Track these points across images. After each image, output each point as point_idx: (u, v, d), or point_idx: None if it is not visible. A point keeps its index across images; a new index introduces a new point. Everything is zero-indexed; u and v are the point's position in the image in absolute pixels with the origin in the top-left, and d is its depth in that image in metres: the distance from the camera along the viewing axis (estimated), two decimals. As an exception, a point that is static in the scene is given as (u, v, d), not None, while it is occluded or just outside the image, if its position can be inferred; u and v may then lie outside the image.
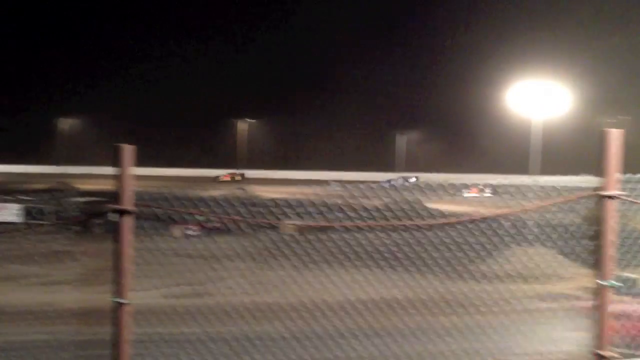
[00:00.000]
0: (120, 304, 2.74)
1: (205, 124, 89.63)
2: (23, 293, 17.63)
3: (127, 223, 2.77)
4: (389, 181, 67.46)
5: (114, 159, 2.75)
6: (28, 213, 34.02)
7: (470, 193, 48.84)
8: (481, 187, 51.20)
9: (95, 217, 24.33)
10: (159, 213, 4.22)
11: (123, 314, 2.75)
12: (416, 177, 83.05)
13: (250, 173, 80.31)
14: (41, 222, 31.47)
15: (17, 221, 33.56)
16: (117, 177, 2.75)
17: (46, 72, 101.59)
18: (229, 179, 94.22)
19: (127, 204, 2.76)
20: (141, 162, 2.85)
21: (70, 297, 16.40)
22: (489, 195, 46.60)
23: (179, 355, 8.03)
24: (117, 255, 2.77)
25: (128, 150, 2.76)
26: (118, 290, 2.76)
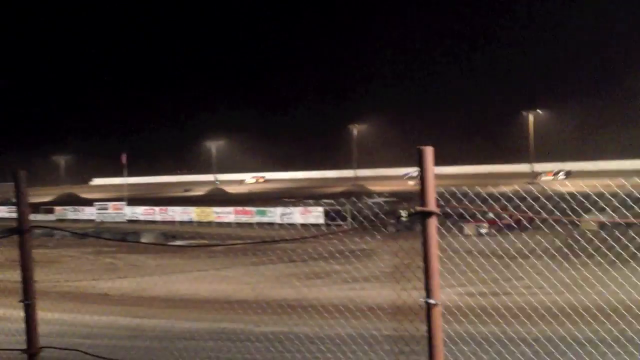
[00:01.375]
0: (431, 305, 2.77)
1: (493, 118, 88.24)
2: (328, 289, 19.37)
3: (433, 224, 2.78)
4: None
5: (418, 161, 2.78)
6: (328, 215, 37.11)
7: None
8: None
9: (389, 218, 25.64)
10: (459, 212, 4.20)
11: (434, 314, 2.77)
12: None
13: (542, 167, 75.96)
14: (340, 223, 34.12)
15: (319, 223, 36.88)
16: (420, 179, 2.79)
17: (338, 79, 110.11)
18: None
19: (432, 205, 2.77)
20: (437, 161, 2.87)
21: (371, 293, 17.56)
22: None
23: (490, 354, 7.93)
24: (426, 257, 2.80)
25: (429, 152, 2.78)
26: (428, 291, 2.79)
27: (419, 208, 2.76)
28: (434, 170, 2.77)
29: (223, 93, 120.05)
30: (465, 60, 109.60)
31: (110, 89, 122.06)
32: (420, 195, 2.76)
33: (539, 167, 76.31)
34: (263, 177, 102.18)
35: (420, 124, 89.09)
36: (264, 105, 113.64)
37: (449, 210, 3.64)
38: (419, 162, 2.76)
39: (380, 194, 50.55)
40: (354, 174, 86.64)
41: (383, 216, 19.13)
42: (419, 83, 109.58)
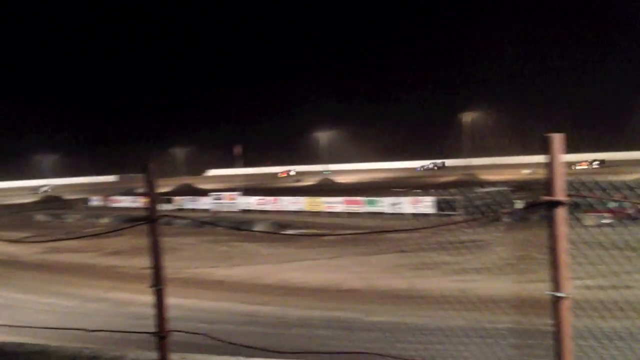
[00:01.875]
0: (559, 298, 2.65)
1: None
2: (438, 280, 19.11)
3: (561, 214, 2.65)
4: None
5: (544, 149, 2.66)
6: (439, 205, 36.50)
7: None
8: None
9: (502, 208, 24.91)
10: (577, 202, 3.99)
11: (561, 308, 2.65)
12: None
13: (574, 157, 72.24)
14: (451, 213, 33.49)
15: (430, 213, 36.37)
16: (548, 167, 2.66)
17: (446, 68, 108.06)
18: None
19: (560, 194, 2.64)
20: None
21: (483, 285, 17.17)
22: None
23: (625, 351, 7.55)
24: (553, 248, 2.68)
25: (558, 139, 2.65)
26: (556, 284, 2.67)
27: (545, 197, 2.64)
28: (562, 158, 2.64)
29: (332, 84, 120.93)
30: (578, 48, 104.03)
31: (225, 83, 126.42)
32: (548, 184, 2.63)
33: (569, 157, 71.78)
34: (289, 170, 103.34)
35: (531, 112, 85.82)
36: (372, 95, 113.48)
37: (576, 200, 3.46)
38: (546, 150, 2.63)
39: (492, 183, 49.16)
40: (466, 162, 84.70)
41: (496, 207, 18.55)
42: (529, 72, 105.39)
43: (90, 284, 22.80)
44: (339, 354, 6.19)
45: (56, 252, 30.66)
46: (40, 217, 51.09)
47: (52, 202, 69.39)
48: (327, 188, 62.63)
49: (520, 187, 38.77)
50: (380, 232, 16.68)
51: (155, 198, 3.89)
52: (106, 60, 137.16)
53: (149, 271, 4.15)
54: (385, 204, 38.68)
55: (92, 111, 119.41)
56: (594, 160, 76.60)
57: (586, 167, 72.94)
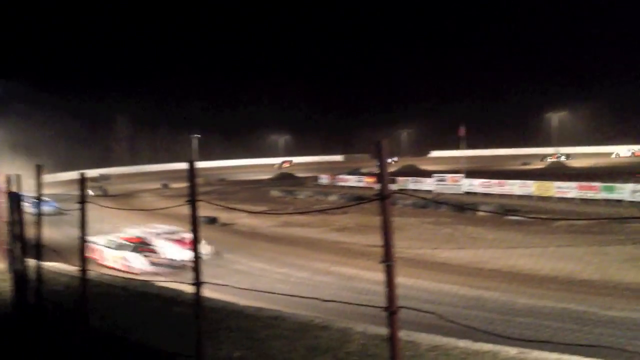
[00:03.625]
0: None
1: None
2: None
3: None
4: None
5: None
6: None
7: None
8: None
9: None
10: None
11: None
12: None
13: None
14: None
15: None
16: None
17: None
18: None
19: None
20: None
21: None
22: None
23: None
24: None
25: None
26: None
27: None
28: None
29: (565, 62, 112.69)
30: None
31: (451, 62, 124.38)
32: None
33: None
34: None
35: None
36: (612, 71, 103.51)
37: None
38: None
39: None
40: None
41: None
42: None
43: (318, 257, 24.09)
44: (579, 346, 5.69)
45: (288, 225, 32.93)
46: (274, 192, 55.19)
47: (285, 179, 74.70)
48: (558, 172, 58.79)
49: None
50: (619, 218, 15.28)
51: (387, 176, 3.89)
52: (335, 43, 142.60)
53: (373, 248, 4.16)
54: (625, 191, 35.13)
55: (323, 93, 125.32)
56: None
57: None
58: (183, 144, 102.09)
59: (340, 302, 5.31)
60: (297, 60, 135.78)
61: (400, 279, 3.97)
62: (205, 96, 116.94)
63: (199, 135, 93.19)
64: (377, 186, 3.94)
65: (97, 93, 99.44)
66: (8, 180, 12.89)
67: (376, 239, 4.11)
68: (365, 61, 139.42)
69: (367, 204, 5.16)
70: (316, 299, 5.19)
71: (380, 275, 3.86)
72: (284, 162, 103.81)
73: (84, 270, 7.02)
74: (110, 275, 13.29)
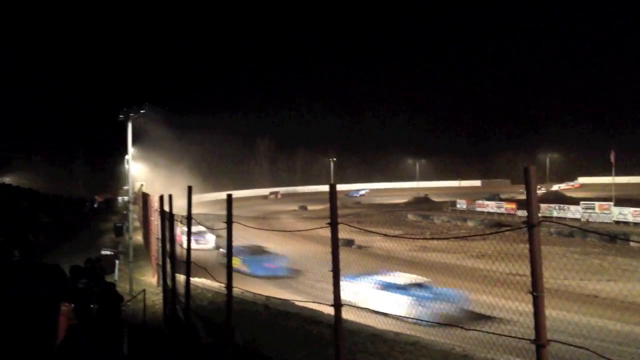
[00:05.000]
0: None
1: None
2: None
3: None
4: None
5: None
6: None
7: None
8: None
9: None
10: None
11: None
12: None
13: None
14: None
15: None
16: None
17: None
18: None
19: None
20: None
21: None
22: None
23: None
24: None
25: None
26: None
27: None
28: None
29: None
30: None
31: (598, 83, 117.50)
32: None
33: None
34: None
35: None
36: None
37: None
38: None
39: None
40: None
41: None
42: None
43: (455, 284, 23.46)
44: None
45: (425, 250, 32.46)
46: (410, 216, 54.75)
47: (421, 204, 73.93)
48: None
49: None
50: None
51: (536, 203, 3.77)
52: (477, 66, 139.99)
53: (515, 277, 4.00)
54: None
55: (460, 117, 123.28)
56: None
57: None
58: (318, 166, 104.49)
59: (484, 331, 5.14)
60: (436, 85, 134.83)
61: (546, 311, 3.80)
62: (341, 118, 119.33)
63: (335, 159, 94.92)
64: (520, 213, 3.82)
65: (238, 115, 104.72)
66: (161, 200, 13.86)
67: (518, 268, 3.97)
68: (506, 84, 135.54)
69: (508, 231, 4.99)
70: (458, 326, 5.07)
71: (523, 306, 3.72)
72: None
73: (229, 287, 7.35)
74: (252, 292, 13.81)
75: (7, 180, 67.97)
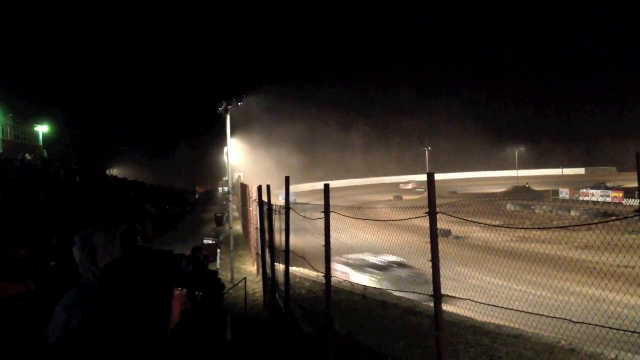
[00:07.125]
0: None
1: None
2: None
3: None
4: None
5: None
6: None
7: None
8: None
9: None
10: None
11: None
12: None
13: None
14: None
15: None
16: None
17: None
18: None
19: None
20: None
21: None
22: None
23: None
24: None
25: None
26: None
27: None
28: None
29: None
30: None
31: None
32: None
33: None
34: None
35: None
36: None
37: None
38: None
39: None
40: None
41: None
42: None
43: (559, 275, 22.57)
44: None
45: (525, 241, 31.41)
46: (510, 206, 53.15)
47: (521, 193, 71.54)
48: None
49: None
50: None
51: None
52: (580, 49, 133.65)
53: (624, 269, 3.80)
54: None
55: (561, 105, 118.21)
56: None
57: None
58: (413, 155, 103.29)
59: (594, 324, 4.92)
60: (535, 67, 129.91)
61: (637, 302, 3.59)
62: (437, 106, 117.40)
63: (429, 148, 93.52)
64: (627, 202, 3.62)
65: (332, 107, 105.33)
66: (259, 191, 14.19)
67: (627, 259, 3.77)
68: (611, 63, 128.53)
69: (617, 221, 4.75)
70: (566, 319, 4.89)
71: (634, 300, 3.53)
72: (407, 182, 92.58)
73: (328, 277, 7.43)
74: (350, 282, 13.88)
75: (115, 172, 71.68)
